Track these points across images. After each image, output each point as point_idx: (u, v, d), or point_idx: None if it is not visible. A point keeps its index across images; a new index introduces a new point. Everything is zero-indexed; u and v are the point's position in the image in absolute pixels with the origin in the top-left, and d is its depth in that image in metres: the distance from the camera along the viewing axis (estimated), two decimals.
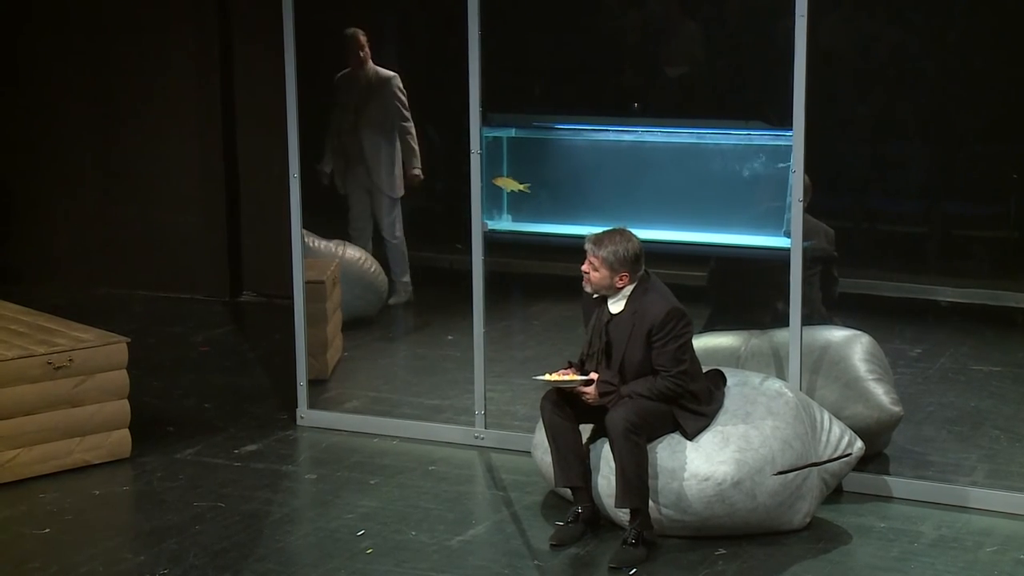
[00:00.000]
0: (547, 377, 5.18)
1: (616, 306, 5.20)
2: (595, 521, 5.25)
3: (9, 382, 5.76)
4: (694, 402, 5.18)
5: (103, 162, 9.21)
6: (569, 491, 5.31)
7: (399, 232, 7.80)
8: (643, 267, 5.19)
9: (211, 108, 8.86)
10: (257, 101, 8.62)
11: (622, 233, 5.16)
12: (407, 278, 7.87)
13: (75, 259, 9.31)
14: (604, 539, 5.18)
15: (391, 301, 7.84)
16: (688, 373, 5.16)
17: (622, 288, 5.16)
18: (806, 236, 5.61)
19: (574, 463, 5.21)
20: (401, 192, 7.75)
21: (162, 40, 8.88)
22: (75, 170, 9.28)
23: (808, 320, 5.67)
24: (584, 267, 5.19)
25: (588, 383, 5.14)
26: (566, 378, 5.15)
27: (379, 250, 7.81)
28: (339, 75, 7.73)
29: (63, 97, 9.22)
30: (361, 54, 7.64)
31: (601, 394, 5.12)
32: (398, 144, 7.67)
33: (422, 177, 7.69)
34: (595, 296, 5.24)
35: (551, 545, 5.14)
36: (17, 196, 9.51)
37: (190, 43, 8.85)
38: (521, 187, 6.98)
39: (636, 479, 5.00)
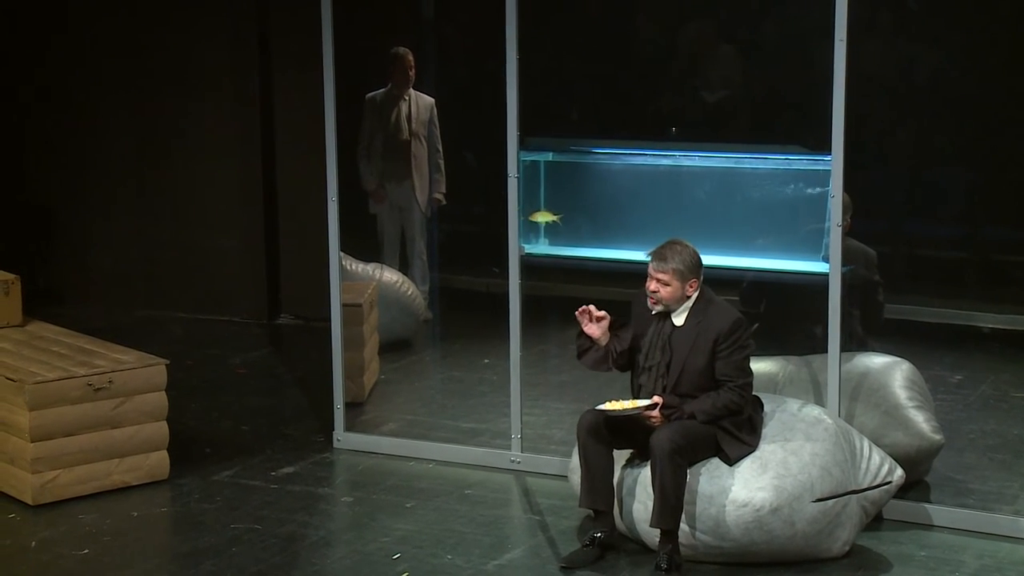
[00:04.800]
0: (610, 406, 5.13)
1: (679, 318, 5.18)
2: (612, 547, 5.22)
3: (50, 403, 5.81)
4: (740, 427, 5.15)
5: (143, 185, 9.28)
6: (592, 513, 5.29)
7: (425, 248, 7.91)
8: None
9: (250, 131, 8.92)
10: (296, 124, 8.67)
11: (678, 242, 5.18)
12: (427, 287, 7.96)
13: (115, 281, 9.38)
14: (640, 564, 5.14)
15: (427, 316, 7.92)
16: (751, 386, 5.15)
17: (691, 296, 5.15)
18: (846, 260, 5.57)
19: (602, 487, 5.19)
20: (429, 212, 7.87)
21: (202, 64, 8.96)
22: (115, 193, 9.35)
23: (847, 346, 5.62)
24: (651, 286, 5.14)
25: (652, 407, 5.11)
26: (631, 405, 5.12)
27: (404, 266, 7.87)
28: (375, 94, 7.77)
29: (103, 121, 9.30)
30: (409, 74, 7.70)
31: (666, 416, 5.11)
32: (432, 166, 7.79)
33: (444, 202, 7.77)
34: (654, 312, 5.21)
35: (561, 567, 5.11)
36: (58, 219, 9.60)
37: (230, 67, 8.92)
38: (554, 218, 6.99)
39: (674, 500, 4.99)
